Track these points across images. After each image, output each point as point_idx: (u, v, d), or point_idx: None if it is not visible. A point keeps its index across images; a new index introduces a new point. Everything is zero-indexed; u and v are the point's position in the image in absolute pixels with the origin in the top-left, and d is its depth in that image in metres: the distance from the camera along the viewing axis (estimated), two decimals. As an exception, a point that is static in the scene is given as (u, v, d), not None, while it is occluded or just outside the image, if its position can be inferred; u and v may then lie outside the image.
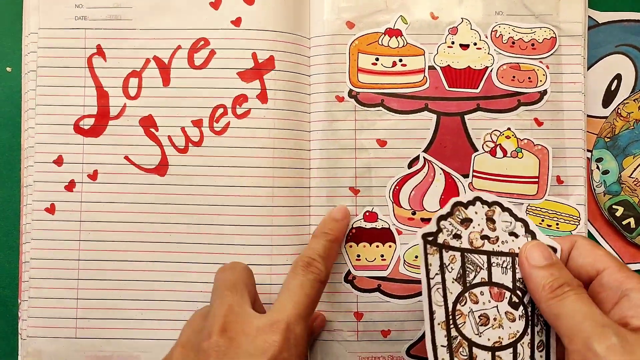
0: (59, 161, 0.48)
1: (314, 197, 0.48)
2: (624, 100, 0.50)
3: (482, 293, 0.39)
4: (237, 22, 0.48)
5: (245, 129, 0.47)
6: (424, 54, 0.48)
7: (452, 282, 0.39)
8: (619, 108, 0.50)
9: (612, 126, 0.50)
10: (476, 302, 0.39)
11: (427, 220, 0.47)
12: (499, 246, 0.39)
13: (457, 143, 0.48)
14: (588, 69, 0.50)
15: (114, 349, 0.47)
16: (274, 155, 0.47)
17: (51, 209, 0.48)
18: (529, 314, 0.39)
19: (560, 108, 0.48)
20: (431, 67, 0.48)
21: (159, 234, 0.47)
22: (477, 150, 0.48)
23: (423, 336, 0.47)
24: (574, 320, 0.35)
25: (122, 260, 0.47)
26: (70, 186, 0.48)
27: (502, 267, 0.39)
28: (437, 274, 0.39)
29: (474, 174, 0.48)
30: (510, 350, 0.38)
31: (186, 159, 0.48)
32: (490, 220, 0.39)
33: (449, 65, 0.48)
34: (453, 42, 0.48)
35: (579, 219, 0.48)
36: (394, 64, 0.48)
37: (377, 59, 0.48)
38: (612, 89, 0.50)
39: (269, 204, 0.47)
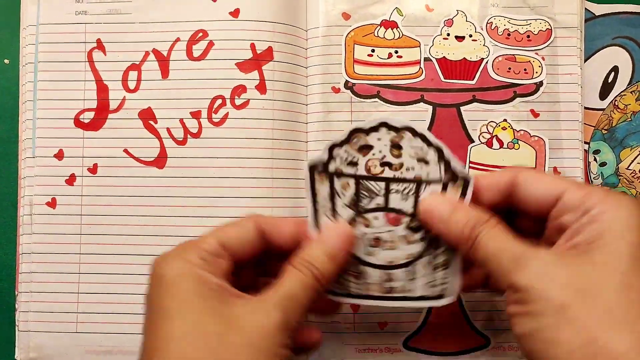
0: (59, 155, 0.48)
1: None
2: (621, 92, 0.50)
3: (376, 218, 0.37)
4: (235, 13, 0.48)
5: (243, 119, 0.47)
6: (419, 46, 0.49)
7: (343, 207, 0.37)
8: (616, 100, 0.50)
9: (609, 118, 0.50)
10: (368, 226, 0.37)
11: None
12: (402, 173, 0.37)
13: (453, 134, 0.48)
14: (585, 61, 0.50)
15: (114, 343, 0.47)
16: (272, 146, 0.47)
17: (52, 203, 0.48)
18: (432, 237, 0.37)
19: (557, 99, 0.48)
20: (427, 59, 0.49)
21: (158, 226, 0.47)
22: (474, 142, 0.48)
23: (421, 328, 0.47)
24: (494, 262, 0.33)
25: (123, 254, 0.47)
26: (70, 180, 0.48)
27: (402, 193, 0.37)
28: (325, 199, 0.37)
29: (471, 165, 0.48)
30: (406, 269, 0.38)
31: (185, 150, 0.48)
32: (396, 146, 0.37)
33: (444, 57, 0.48)
34: (448, 34, 0.49)
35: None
36: (390, 55, 0.49)
37: (372, 51, 0.49)
38: (609, 81, 0.50)
39: (268, 195, 0.47)
